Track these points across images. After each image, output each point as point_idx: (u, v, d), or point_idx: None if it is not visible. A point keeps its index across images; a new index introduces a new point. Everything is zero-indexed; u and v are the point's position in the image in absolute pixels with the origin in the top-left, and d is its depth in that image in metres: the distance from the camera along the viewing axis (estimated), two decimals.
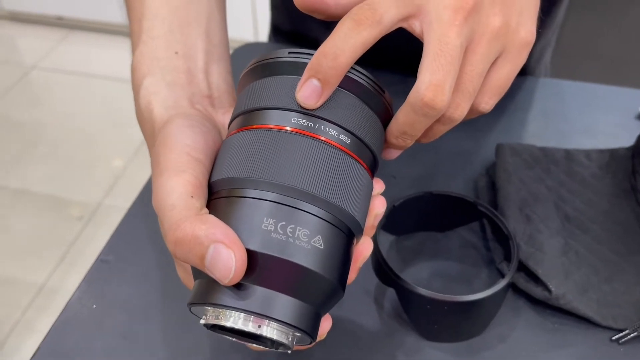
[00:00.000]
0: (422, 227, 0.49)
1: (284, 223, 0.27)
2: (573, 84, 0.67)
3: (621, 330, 0.42)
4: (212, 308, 0.27)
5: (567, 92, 0.66)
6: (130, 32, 0.40)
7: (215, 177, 0.29)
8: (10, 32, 2.50)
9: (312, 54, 0.29)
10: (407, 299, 0.41)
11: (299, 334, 0.28)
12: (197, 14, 0.38)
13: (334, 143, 0.29)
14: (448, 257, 0.48)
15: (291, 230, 0.27)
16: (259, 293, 0.26)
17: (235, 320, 0.26)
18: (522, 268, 0.44)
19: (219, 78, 0.38)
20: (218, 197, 0.29)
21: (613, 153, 0.55)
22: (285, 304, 0.27)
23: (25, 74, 2.24)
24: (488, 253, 0.48)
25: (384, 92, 0.31)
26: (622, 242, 0.48)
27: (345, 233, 0.29)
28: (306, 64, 0.29)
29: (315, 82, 0.28)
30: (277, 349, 0.29)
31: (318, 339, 0.30)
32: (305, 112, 0.29)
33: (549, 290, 0.43)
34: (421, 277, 0.46)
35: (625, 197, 0.51)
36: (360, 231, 0.30)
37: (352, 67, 0.30)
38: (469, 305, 0.39)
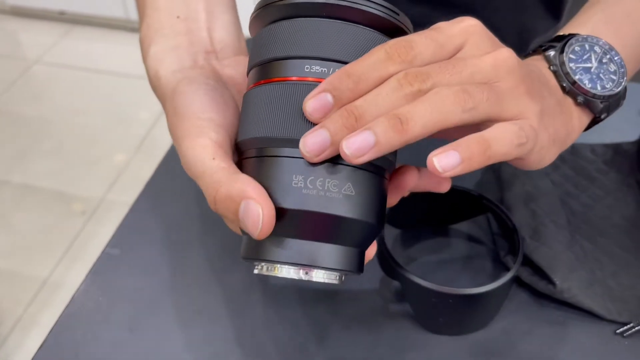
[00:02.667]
0: (428, 221, 0.49)
1: (312, 178, 0.28)
2: None
3: (626, 324, 0.42)
4: (265, 263, 0.29)
5: None
6: (137, 9, 0.41)
7: (242, 137, 0.30)
8: (13, 27, 2.50)
9: None
10: (412, 291, 0.41)
11: (346, 273, 0.30)
12: None
13: None
14: (453, 251, 0.48)
15: (320, 183, 0.28)
16: (304, 246, 0.28)
17: (287, 272, 0.29)
18: (527, 262, 0.44)
19: (222, 31, 0.38)
20: (248, 157, 0.30)
21: (617, 148, 0.54)
22: (328, 252, 0.29)
23: (27, 69, 2.24)
24: (493, 247, 0.48)
25: (398, 14, 0.30)
26: (628, 236, 0.48)
27: (375, 172, 0.29)
28: (316, 3, 0.28)
29: (329, 97, 0.27)
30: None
31: (366, 261, 0.32)
32: (325, 57, 0.28)
33: (554, 284, 0.43)
34: (426, 270, 0.47)
35: (631, 192, 0.51)
36: (392, 165, 0.31)
37: (374, 1, 0.29)
38: (474, 298, 0.39)
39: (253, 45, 0.32)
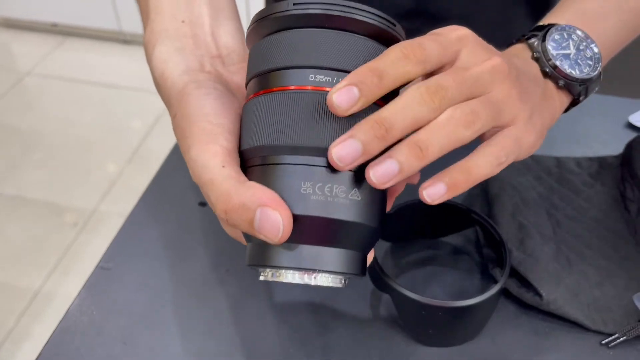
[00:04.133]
0: (417, 234, 0.50)
1: (320, 184, 0.28)
2: None
3: (611, 335, 0.43)
4: (270, 269, 0.30)
5: None
6: (140, 14, 0.42)
7: (245, 146, 0.31)
8: (5, 39, 2.50)
9: (317, 2, 0.29)
10: (402, 304, 0.42)
11: (349, 276, 0.31)
12: None
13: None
14: (442, 264, 0.49)
15: (329, 189, 0.28)
16: (309, 251, 0.29)
17: (292, 277, 0.29)
18: (514, 274, 0.45)
19: (227, 37, 0.39)
20: (253, 165, 0.30)
21: (602, 161, 0.56)
22: (333, 256, 0.29)
23: (19, 80, 2.24)
24: (481, 259, 0.49)
25: (395, 25, 0.31)
26: (612, 247, 0.49)
27: None
28: (314, 14, 0.29)
29: (355, 90, 0.28)
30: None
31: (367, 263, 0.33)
32: (321, 66, 0.29)
33: (540, 296, 0.44)
34: (416, 283, 0.47)
35: (615, 204, 0.53)
36: None
37: (358, 7, 0.30)
38: (463, 310, 0.40)
39: (251, 57, 0.32)
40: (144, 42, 0.39)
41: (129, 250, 0.50)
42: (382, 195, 0.31)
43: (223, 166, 0.29)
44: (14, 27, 2.52)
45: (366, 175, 0.28)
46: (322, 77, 0.29)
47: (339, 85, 0.28)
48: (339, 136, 0.28)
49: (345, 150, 0.28)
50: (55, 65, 2.33)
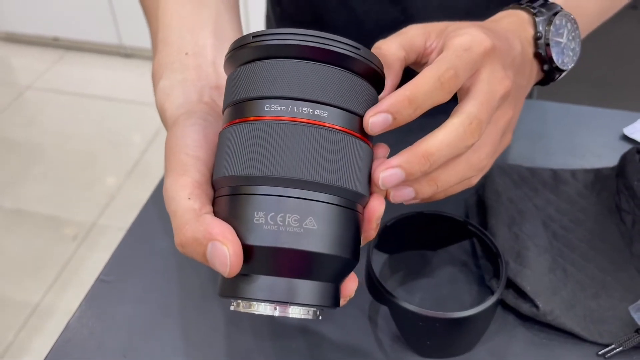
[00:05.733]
0: (414, 246, 0.51)
1: (272, 213, 0.28)
2: (559, 105, 0.69)
3: (607, 345, 0.43)
4: (241, 300, 0.30)
5: (553, 113, 0.68)
6: (151, 41, 0.44)
7: (215, 176, 0.31)
8: (6, 53, 2.52)
9: (275, 34, 0.29)
10: (400, 316, 0.42)
11: (322, 308, 0.30)
12: (205, 18, 0.42)
13: (307, 121, 0.29)
14: (439, 275, 0.50)
15: (281, 218, 0.28)
16: (277, 282, 0.29)
17: (263, 308, 0.29)
18: (511, 285, 0.46)
19: None
20: (221, 195, 0.31)
21: (597, 173, 0.56)
22: (301, 288, 0.29)
23: (20, 94, 2.25)
24: (478, 271, 0.50)
25: (359, 49, 0.31)
26: (608, 259, 0.50)
27: (341, 205, 0.30)
28: (273, 45, 0.29)
29: (389, 118, 0.31)
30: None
31: (348, 298, 0.33)
32: (277, 96, 0.29)
33: (537, 307, 0.44)
34: (413, 295, 0.48)
35: (611, 216, 0.53)
36: (359, 196, 0.31)
37: (322, 36, 0.29)
38: (460, 321, 0.40)
39: (226, 86, 0.33)
40: (152, 73, 0.41)
41: (129, 264, 0.50)
42: (346, 222, 0.30)
43: (189, 198, 0.30)
44: (15, 41, 2.54)
45: (378, 185, 0.31)
46: (277, 107, 0.29)
47: (374, 109, 0.31)
48: (292, 164, 0.28)
49: (391, 178, 0.31)
50: (55, 79, 2.34)
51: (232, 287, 0.30)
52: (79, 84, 2.31)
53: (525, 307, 0.45)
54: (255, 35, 0.30)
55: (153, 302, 0.47)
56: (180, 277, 0.49)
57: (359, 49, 0.30)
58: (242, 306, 0.30)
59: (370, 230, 0.33)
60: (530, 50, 0.41)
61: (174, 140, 0.33)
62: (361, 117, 0.31)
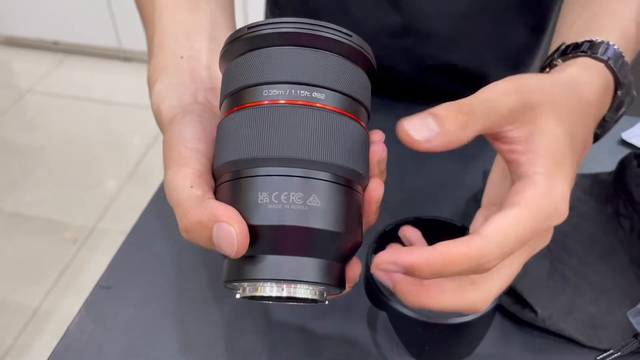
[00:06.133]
0: None
1: (277, 193, 0.28)
2: None
3: (606, 351, 0.44)
4: (247, 283, 0.30)
5: None
6: (146, 40, 0.44)
7: (216, 164, 0.31)
8: (6, 57, 2.52)
9: (269, 23, 0.30)
10: (398, 321, 0.42)
11: (328, 288, 0.30)
12: (201, 22, 0.42)
13: (305, 103, 0.29)
14: None
15: (285, 197, 0.28)
16: (283, 261, 0.29)
17: (270, 289, 0.29)
18: (510, 290, 0.46)
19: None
20: (222, 182, 0.31)
21: (595, 178, 0.56)
22: (308, 266, 0.29)
23: (20, 98, 2.25)
24: None
25: (351, 36, 0.31)
26: (607, 264, 0.50)
27: (343, 184, 0.30)
28: (268, 34, 0.30)
29: (402, 271, 0.28)
30: (316, 302, 0.31)
31: (352, 284, 0.32)
32: (274, 81, 0.30)
33: (535, 312, 0.44)
34: None
35: (609, 221, 0.53)
36: (360, 177, 0.31)
37: (315, 23, 0.30)
38: (459, 327, 0.40)
39: (222, 80, 0.33)
40: (147, 77, 0.41)
41: (129, 269, 0.50)
42: (348, 200, 0.30)
43: (191, 187, 0.30)
44: (15, 45, 2.54)
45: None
46: (275, 91, 0.29)
47: (398, 261, 0.28)
48: (293, 144, 0.28)
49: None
50: (56, 82, 2.34)
51: (238, 271, 0.30)
52: (79, 87, 2.31)
53: (523, 313, 0.45)
54: (251, 26, 0.31)
55: (152, 308, 0.47)
56: (180, 281, 0.49)
57: (350, 35, 0.31)
58: (248, 290, 0.30)
59: (371, 214, 0.32)
60: (603, 111, 0.39)
61: (171, 137, 0.33)
62: (356, 100, 0.31)
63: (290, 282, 0.29)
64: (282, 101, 0.29)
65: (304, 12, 0.66)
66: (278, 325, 0.46)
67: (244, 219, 0.28)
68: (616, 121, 0.41)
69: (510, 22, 0.65)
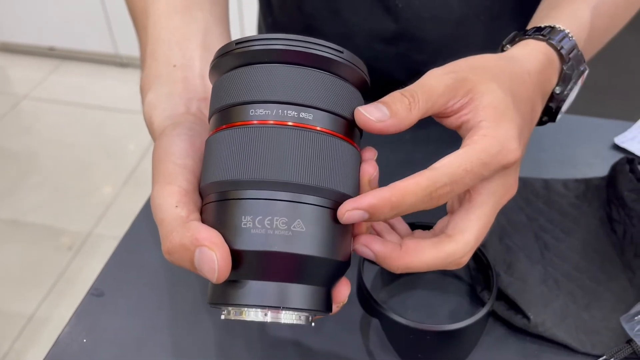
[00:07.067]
0: None
1: (260, 217, 0.28)
2: None
3: (599, 357, 0.43)
4: (232, 307, 0.29)
5: None
6: (140, 54, 0.44)
7: (203, 183, 0.31)
8: (2, 63, 2.52)
9: (258, 39, 0.29)
10: (391, 328, 0.42)
11: (314, 313, 0.30)
12: (194, 31, 0.42)
13: (293, 124, 0.29)
14: (431, 287, 0.49)
15: (269, 222, 0.28)
16: (268, 287, 0.28)
17: (254, 315, 0.29)
18: (502, 296, 0.46)
19: None
20: (209, 202, 0.30)
21: (588, 183, 0.57)
22: (293, 292, 0.29)
23: (16, 104, 2.25)
24: (470, 282, 0.50)
25: (342, 52, 0.30)
26: (600, 269, 0.50)
27: (330, 207, 0.29)
28: (256, 50, 0.29)
29: (367, 216, 0.29)
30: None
31: (341, 304, 0.32)
32: (262, 100, 0.29)
33: (528, 318, 0.44)
34: (405, 307, 0.48)
35: (602, 226, 0.53)
36: (347, 198, 0.30)
37: (304, 40, 0.29)
38: (451, 334, 0.40)
39: (211, 94, 0.33)
40: (140, 86, 0.41)
41: (121, 276, 0.50)
42: (335, 227, 0.30)
43: (176, 206, 0.30)
44: (11, 51, 2.54)
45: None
46: (261, 111, 0.29)
47: (358, 205, 0.29)
48: (278, 167, 0.28)
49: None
50: (52, 88, 2.34)
51: (222, 294, 0.29)
52: (75, 93, 2.31)
53: (516, 319, 0.45)
54: (239, 42, 0.30)
55: (144, 316, 0.47)
56: (172, 289, 0.49)
57: (341, 52, 0.30)
58: (232, 314, 0.29)
59: (361, 234, 0.33)
60: (548, 89, 0.41)
61: (160, 150, 0.33)
62: (346, 119, 0.31)
63: (275, 309, 0.29)
64: (270, 122, 0.29)
65: (298, 18, 0.66)
66: (271, 333, 0.45)
67: (228, 243, 0.28)
68: (567, 95, 0.42)
69: (504, 28, 0.65)
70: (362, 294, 0.43)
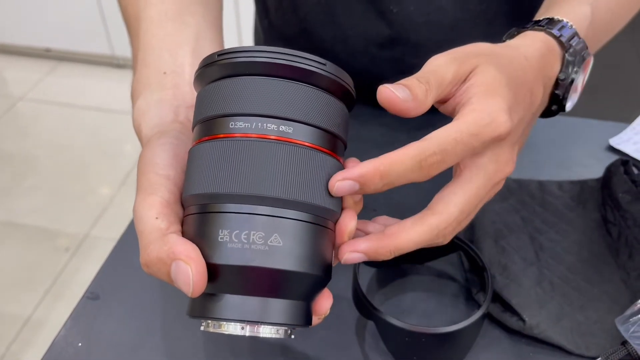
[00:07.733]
0: (401, 260, 0.50)
1: (237, 231, 0.28)
2: None
3: (594, 358, 0.44)
4: (210, 320, 0.29)
5: (540, 124, 0.68)
6: (132, 60, 0.44)
7: (184, 194, 0.31)
8: None
9: (240, 52, 0.29)
10: (387, 331, 0.42)
11: (293, 327, 0.30)
12: (185, 37, 0.42)
13: (273, 137, 0.29)
14: (427, 289, 0.50)
15: (245, 236, 0.28)
16: (246, 301, 0.28)
17: (233, 328, 0.29)
18: (498, 298, 0.46)
19: None
20: (190, 214, 0.30)
21: (583, 184, 0.57)
22: (271, 307, 0.29)
23: (12, 106, 2.24)
24: (465, 284, 0.50)
25: (324, 64, 0.30)
26: (595, 271, 0.50)
27: (310, 221, 0.29)
28: (237, 63, 0.29)
29: (357, 187, 0.30)
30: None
31: (323, 317, 0.32)
32: (242, 113, 0.29)
33: (523, 320, 0.44)
34: (401, 309, 0.48)
35: (597, 227, 0.53)
36: (328, 212, 0.30)
37: (286, 53, 0.29)
38: (446, 336, 0.40)
39: (195, 104, 0.33)
40: (130, 93, 0.41)
41: (116, 279, 0.50)
42: (314, 238, 0.30)
43: (156, 218, 0.30)
44: (7, 53, 2.53)
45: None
46: (241, 124, 0.29)
47: (347, 175, 0.30)
48: (257, 181, 0.28)
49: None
50: (48, 90, 2.34)
51: (201, 307, 0.29)
52: (71, 94, 2.30)
53: (511, 321, 0.45)
54: (221, 53, 0.30)
55: (139, 320, 0.47)
56: (166, 293, 0.49)
57: (324, 64, 0.30)
58: (211, 326, 0.29)
59: (343, 247, 0.32)
60: (549, 90, 0.41)
61: (144, 160, 0.33)
62: (328, 131, 0.30)
63: (254, 323, 0.29)
64: (251, 134, 0.28)
65: (294, 21, 0.66)
66: (260, 338, 0.45)
67: (205, 257, 0.28)
68: (572, 80, 0.41)
69: (499, 31, 0.65)
70: (358, 297, 0.43)
